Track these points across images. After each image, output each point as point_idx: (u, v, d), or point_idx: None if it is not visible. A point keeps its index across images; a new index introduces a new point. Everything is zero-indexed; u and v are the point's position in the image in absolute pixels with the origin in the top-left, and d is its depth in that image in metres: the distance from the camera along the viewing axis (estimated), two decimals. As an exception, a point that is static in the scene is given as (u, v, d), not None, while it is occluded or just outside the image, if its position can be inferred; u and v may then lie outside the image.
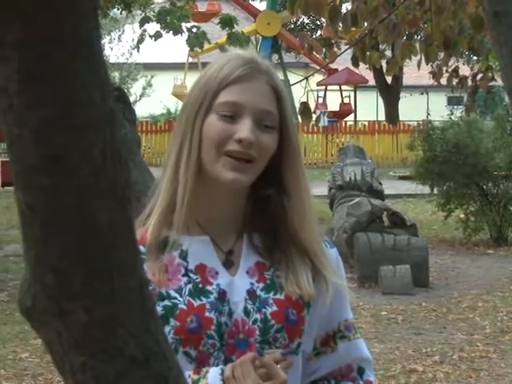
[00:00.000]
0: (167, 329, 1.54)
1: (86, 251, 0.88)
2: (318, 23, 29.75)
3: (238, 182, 1.56)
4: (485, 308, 7.95)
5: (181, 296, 1.57)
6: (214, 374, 1.51)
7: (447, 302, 8.21)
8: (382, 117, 28.38)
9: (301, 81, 5.16)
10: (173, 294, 1.57)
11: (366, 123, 24.92)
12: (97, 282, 0.90)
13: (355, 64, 5.04)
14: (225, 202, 1.61)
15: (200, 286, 1.58)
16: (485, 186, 11.52)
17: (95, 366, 0.93)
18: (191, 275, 1.59)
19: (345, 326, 1.70)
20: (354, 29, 4.87)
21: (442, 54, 5.07)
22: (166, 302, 1.56)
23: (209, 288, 1.59)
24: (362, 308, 7.89)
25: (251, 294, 1.60)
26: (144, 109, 28.31)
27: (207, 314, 1.56)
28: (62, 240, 0.88)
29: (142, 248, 1.55)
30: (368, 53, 4.96)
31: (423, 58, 4.87)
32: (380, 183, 11.04)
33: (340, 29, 4.77)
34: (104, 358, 0.93)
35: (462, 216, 11.58)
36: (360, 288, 8.72)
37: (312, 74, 6.27)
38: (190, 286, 1.58)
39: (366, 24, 4.80)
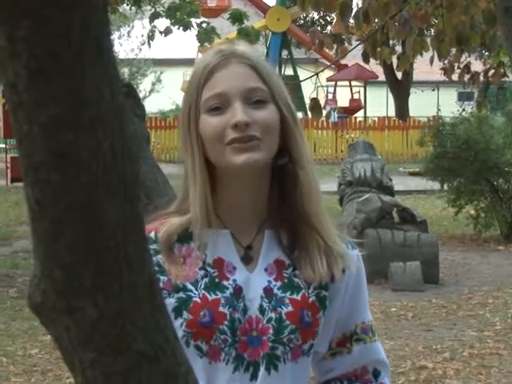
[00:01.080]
0: (180, 321, 1.54)
1: (95, 247, 0.88)
2: (328, 19, 29.71)
3: (252, 161, 1.53)
4: (495, 304, 7.93)
5: (196, 289, 1.56)
6: None
7: (457, 299, 8.19)
8: (391, 112, 28.33)
9: (311, 77, 5.15)
10: (189, 286, 1.57)
11: (376, 119, 24.87)
12: (106, 278, 0.90)
13: (366, 60, 5.04)
14: (244, 193, 1.59)
15: (216, 280, 1.58)
16: (495, 182, 11.48)
17: (104, 361, 0.93)
18: (208, 269, 1.58)
19: (361, 328, 1.69)
20: (364, 25, 4.85)
21: (453, 50, 5.06)
22: (181, 294, 1.56)
23: (225, 283, 1.58)
24: (371, 304, 7.84)
25: (267, 291, 1.59)
26: (153, 105, 28.33)
27: (221, 308, 1.55)
28: (71, 236, 0.88)
29: (152, 236, 1.56)
30: (379, 48, 4.95)
31: (435, 54, 4.85)
32: (390, 179, 11.01)
33: (351, 25, 4.76)
34: (113, 353, 0.93)
35: (472, 212, 11.55)
36: (370, 284, 8.60)
37: (322, 70, 6.26)
38: (206, 279, 1.57)
39: (376, 20, 4.79)
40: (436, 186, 12.24)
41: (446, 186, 11.77)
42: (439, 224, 12.56)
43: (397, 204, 9.90)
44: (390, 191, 10.63)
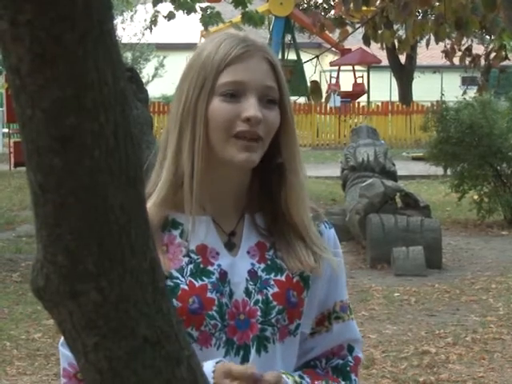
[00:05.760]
0: None
1: (98, 232, 0.88)
2: (332, 3, 29.61)
3: (251, 162, 1.55)
4: (498, 290, 7.93)
5: (182, 276, 1.57)
6: (207, 370, 1.50)
7: (460, 284, 8.19)
8: (395, 97, 28.25)
9: (312, 59, 5.14)
10: (175, 273, 1.57)
11: (380, 104, 24.82)
12: (109, 263, 0.90)
13: (366, 43, 5.02)
14: (231, 181, 1.61)
15: (201, 266, 1.58)
16: (499, 167, 11.46)
17: (108, 346, 0.93)
18: (192, 255, 1.59)
19: (340, 306, 1.71)
20: (365, 8, 4.84)
21: (455, 33, 5.04)
22: (168, 282, 1.56)
23: (210, 268, 1.59)
24: (374, 289, 7.89)
25: (252, 274, 1.60)
26: (156, 89, 28.29)
27: (208, 294, 1.57)
28: (74, 221, 0.88)
29: None
30: (380, 31, 4.94)
31: (432, 37, 4.84)
32: (393, 164, 11.00)
33: (351, 8, 4.74)
34: (116, 338, 0.93)
35: (475, 197, 11.53)
36: (372, 269, 8.71)
37: (323, 53, 6.24)
38: (191, 266, 1.58)
39: (378, 2, 4.78)
40: (439, 171, 12.22)
41: (449, 171, 11.76)
42: (442, 209, 12.55)
43: (400, 189, 9.88)
44: (393, 176, 10.61)
